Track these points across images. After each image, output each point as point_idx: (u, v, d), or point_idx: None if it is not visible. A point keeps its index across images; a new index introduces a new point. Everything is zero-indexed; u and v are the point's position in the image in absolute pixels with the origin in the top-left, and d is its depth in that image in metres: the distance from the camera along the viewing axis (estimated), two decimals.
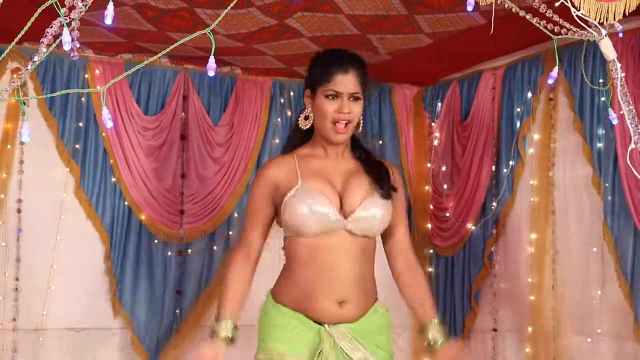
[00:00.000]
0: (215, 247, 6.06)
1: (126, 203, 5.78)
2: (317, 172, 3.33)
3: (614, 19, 2.98)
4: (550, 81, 3.24)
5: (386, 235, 3.50)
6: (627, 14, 3.00)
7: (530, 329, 5.23)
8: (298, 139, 3.47)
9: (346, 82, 3.27)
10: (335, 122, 3.28)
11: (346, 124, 3.30)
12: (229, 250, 3.30)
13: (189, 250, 5.99)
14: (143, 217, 5.81)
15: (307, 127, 3.36)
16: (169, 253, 5.94)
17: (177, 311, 5.97)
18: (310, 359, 3.26)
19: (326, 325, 3.26)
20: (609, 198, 4.80)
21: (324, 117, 3.29)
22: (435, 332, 3.39)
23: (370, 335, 3.33)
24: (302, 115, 3.37)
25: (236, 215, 6.10)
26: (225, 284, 3.41)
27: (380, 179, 3.39)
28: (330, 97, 3.27)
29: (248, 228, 3.44)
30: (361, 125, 3.41)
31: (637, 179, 4.37)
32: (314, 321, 3.28)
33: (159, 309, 5.91)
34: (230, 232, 6.10)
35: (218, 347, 3.34)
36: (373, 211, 3.29)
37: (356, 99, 3.30)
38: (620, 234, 4.75)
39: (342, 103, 3.26)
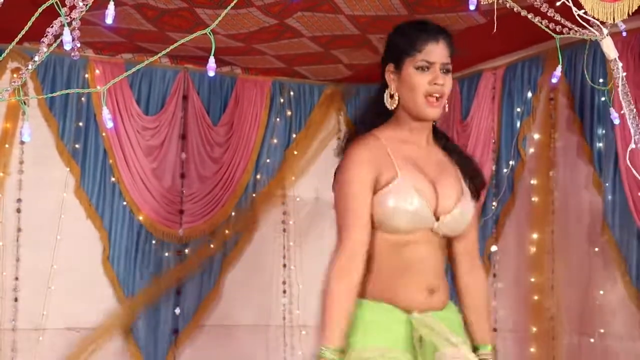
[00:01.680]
0: (213, 247, 6.07)
1: (125, 203, 5.78)
2: (412, 161, 3.04)
3: (618, 19, 2.98)
4: (554, 80, 3.22)
5: (459, 238, 3.22)
6: (630, 14, 3.00)
7: (534, 328, 5.23)
8: (375, 119, 3.15)
9: (438, 51, 3.01)
10: (428, 95, 2.99)
11: (438, 98, 3.01)
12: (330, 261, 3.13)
13: (186, 250, 5.99)
14: (142, 217, 5.80)
15: (394, 106, 3.05)
16: (166, 253, 5.94)
17: (177, 311, 5.97)
18: (409, 348, 3.00)
19: (415, 313, 3.00)
20: (610, 198, 4.80)
21: (416, 90, 2.98)
22: (487, 339, 3.24)
23: (454, 325, 3.11)
24: (387, 94, 3.06)
25: (233, 214, 6.11)
26: (329, 301, 2.96)
27: (473, 177, 3.18)
28: (421, 68, 2.98)
29: (352, 228, 2.98)
30: (446, 107, 3.09)
31: (637, 178, 4.37)
32: (403, 309, 3.01)
33: (158, 309, 5.90)
34: (226, 232, 6.10)
35: None
36: (464, 214, 3.08)
37: (447, 70, 3.03)
38: (622, 234, 4.75)
39: (435, 74, 2.98)
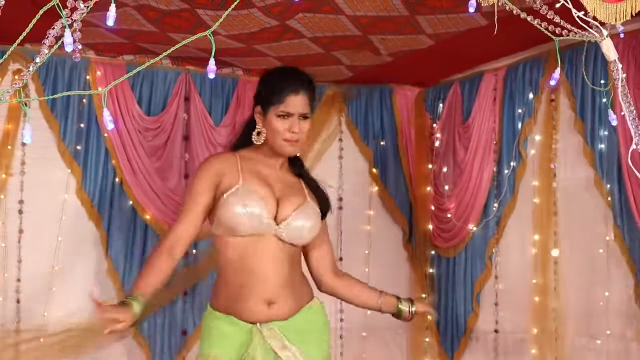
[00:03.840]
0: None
1: (130, 203, 5.77)
2: (259, 174, 3.49)
3: (621, 20, 2.98)
4: (552, 82, 3.24)
5: (311, 249, 3.71)
6: (633, 15, 3.00)
7: (535, 330, 5.23)
8: (242, 143, 3.62)
9: (297, 103, 3.45)
10: (286, 140, 3.46)
11: (297, 140, 3.47)
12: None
13: (194, 251, 5.99)
14: (147, 217, 5.80)
15: (261, 142, 3.51)
16: None
17: (183, 312, 5.97)
18: (238, 358, 3.41)
19: (258, 324, 3.40)
20: (613, 199, 4.80)
21: (276, 134, 3.46)
22: (404, 305, 3.78)
23: (303, 332, 3.49)
24: (255, 132, 3.52)
25: None
26: (147, 268, 3.39)
27: (321, 200, 3.63)
28: (281, 116, 3.44)
29: (183, 220, 3.47)
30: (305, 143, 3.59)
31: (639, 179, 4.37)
32: (247, 322, 3.42)
33: (164, 310, 5.90)
34: None
35: (130, 315, 3.18)
36: (303, 221, 3.47)
37: (305, 117, 3.48)
38: (625, 235, 4.75)
39: (293, 122, 3.45)
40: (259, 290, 3.40)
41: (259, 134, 3.51)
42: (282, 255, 3.45)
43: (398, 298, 3.78)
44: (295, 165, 3.66)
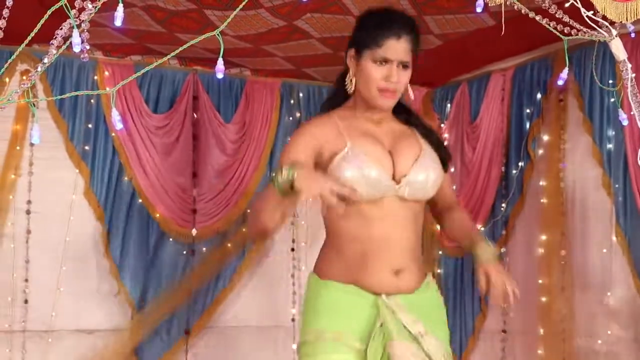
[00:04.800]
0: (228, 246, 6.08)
1: (139, 202, 5.77)
2: (364, 132, 3.12)
3: (631, 19, 2.97)
4: (560, 82, 3.23)
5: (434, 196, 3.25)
6: None
7: (542, 330, 5.22)
8: (337, 100, 3.27)
9: (397, 48, 3.05)
10: (381, 89, 3.08)
11: (392, 91, 3.10)
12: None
13: (204, 249, 6.00)
14: (157, 215, 5.80)
15: (352, 89, 3.15)
16: (184, 252, 5.95)
17: (190, 311, 5.98)
18: (369, 333, 3.00)
19: (383, 296, 3.02)
20: (620, 199, 4.79)
21: (370, 82, 3.08)
22: (486, 245, 3.13)
23: (426, 309, 3.12)
24: (348, 78, 3.16)
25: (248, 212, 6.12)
26: (260, 201, 3.04)
27: (435, 142, 3.23)
28: (378, 62, 3.05)
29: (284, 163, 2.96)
30: (410, 91, 3.23)
31: None
32: (370, 292, 3.03)
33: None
34: (243, 230, 6.11)
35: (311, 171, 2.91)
36: (426, 174, 3.09)
37: (405, 67, 3.09)
38: (632, 236, 4.74)
39: (391, 70, 3.06)
40: (385, 257, 3.02)
41: (350, 81, 3.14)
42: (405, 216, 3.06)
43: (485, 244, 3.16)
44: (402, 113, 3.27)
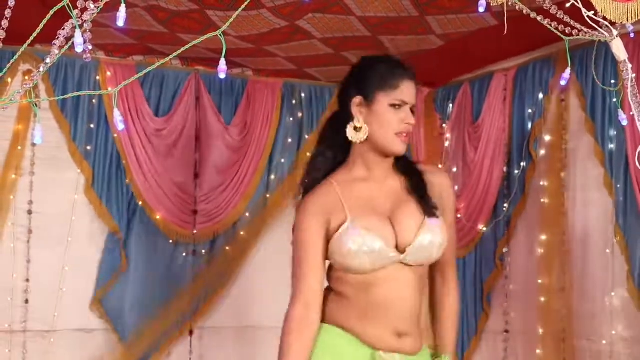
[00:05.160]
0: (228, 248, 6.08)
1: (139, 203, 5.79)
2: (364, 201, 2.95)
3: (632, 20, 2.97)
4: (562, 82, 3.22)
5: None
6: None
7: (542, 330, 5.22)
8: (327, 159, 3.07)
9: (412, 91, 2.95)
10: (398, 133, 2.91)
11: (407, 135, 2.95)
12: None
13: (203, 251, 6.01)
14: (158, 217, 5.82)
15: (363, 139, 2.92)
16: (183, 254, 5.96)
17: (194, 312, 5.99)
18: None
19: (381, 352, 2.90)
20: (621, 199, 4.79)
21: (387, 127, 2.91)
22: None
23: None
24: (351, 127, 2.94)
25: (247, 215, 6.12)
26: (283, 353, 2.95)
27: (423, 194, 3.00)
28: (396, 106, 2.90)
29: (305, 278, 2.93)
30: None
31: None
32: (368, 346, 2.93)
33: (173, 310, 5.91)
34: (242, 233, 6.11)
35: None
36: (430, 239, 2.91)
37: (413, 111, 2.96)
38: (631, 236, 4.74)
39: (407, 113, 2.92)
40: (389, 322, 2.90)
41: (357, 129, 2.92)
42: (410, 280, 2.92)
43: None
44: (400, 164, 3.06)
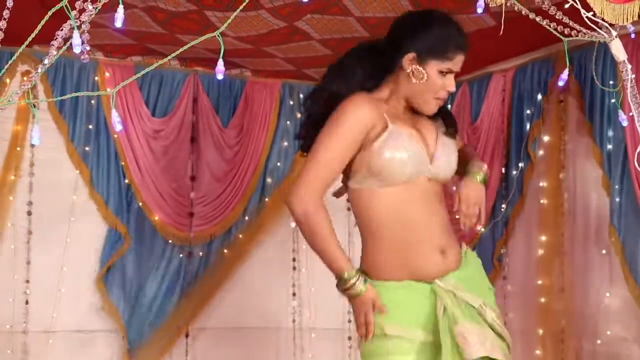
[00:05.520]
0: (225, 250, 6.08)
1: (138, 205, 5.78)
2: (397, 117, 3.15)
3: (629, 21, 2.97)
4: (560, 83, 3.24)
5: None
6: None
7: (541, 331, 5.22)
8: (358, 80, 3.24)
9: (461, 61, 3.16)
10: (438, 98, 3.16)
11: (444, 99, 3.21)
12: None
13: (200, 253, 6.00)
14: (156, 218, 5.81)
15: (420, 81, 3.10)
16: (180, 255, 5.95)
17: (189, 313, 5.99)
18: (433, 323, 3.03)
19: (437, 281, 3.06)
20: (618, 200, 4.78)
21: (430, 90, 3.13)
22: (474, 166, 3.35)
23: (475, 279, 3.22)
24: (410, 70, 3.12)
25: (246, 218, 6.12)
26: (324, 232, 3.09)
27: (444, 119, 3.29)
28: (444, 73, 3.11)
29: (320, 172, 3.07)
30: None
31: None
32: (423, 282, 3.07)
33: (170, 311, 5.91)
34: (240, 235, 6.11)
35: (370, 291, 3.03)
36: (448, 152, 3.20)
37: (455, 75, 3.19)
38: (629, 236, 4.74)
39: (451, 81, 3.15)
40: (430, 239, 3.09)
41: (415, 74, 3.10)
42: (435, 195, 3.15)
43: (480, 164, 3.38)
44: None
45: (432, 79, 3.10)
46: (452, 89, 3.15)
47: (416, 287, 3.07)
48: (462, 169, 3.36)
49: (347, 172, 3.17)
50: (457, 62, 3.14)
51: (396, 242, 3.09)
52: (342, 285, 3.05)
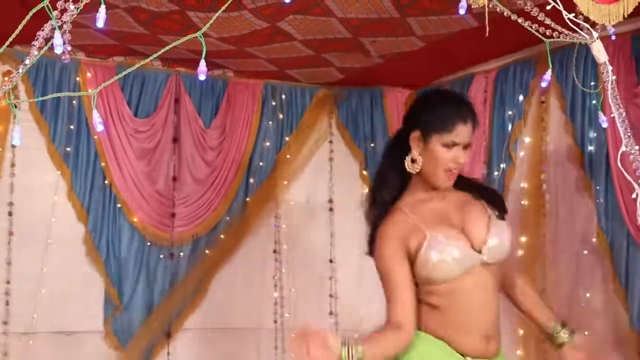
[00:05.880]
0: (207, 251, 6.07)
1: (118, 206, 5.77)
2: (435, 216, 3.23)
3: (614, 21, 2.99)
4: (543, 84, 3.25)
5: None
6: (625, 16, 3.01)
7: (521, 331, 5.23)
8: (392, 185, 3.35)
9: (465, 132, 3.20)
10: (448, 170, 3.21)
11: (456, 172, 3.25)
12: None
13: (181, 254, 5.99)
14: (135, 220, 5.80)
15: (417, 170, 3.24)
16: (161, 256, 5.94)
17: (171, 313, 5.98)
18: None
19: (468, 358, 3.17)
20: (601, 201, 4.80)
21: (438, 165, 3.20)
22: (564, 334, 3.43)
23: None
24: (409, 158, 3.24)
25: (227, 219, 6.11)
26: (384, 340, 3.10)
27: (493, 201, 3.36)
28: (448, 146, 3.18)
29: (394, 300, 3.14)
30: None
31: (628, 181, 4.37)
32: (461, 354, 3.18)
33: (151, 312, 5.90)
34: (222, 236, 6.10)
35: (334, 342, 2.98)
36: (500, 235, 3.23)
37: (466, 147, 3.23)
38: (613, 237, 4.75)
39: (458, 152, 3.20)
40: (480, 325, 3.18)
41: (413, 161, 3.24)
42: (491, 282, 3.22)
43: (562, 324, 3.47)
44: (457, 182, 3.35)
45: (436, 153, 3.19)
46: (462, 160, 3.21)
47: (450, 351, 3.17)
48: (537, 317, 3.54)
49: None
50: (459, 132, 3.18)
51: (445, 314, 3.18)
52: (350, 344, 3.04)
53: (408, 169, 3.25)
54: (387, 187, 3.35)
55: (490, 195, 3.40)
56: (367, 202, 3.43)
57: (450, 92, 3.40)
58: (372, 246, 3.30)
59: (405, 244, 3.16)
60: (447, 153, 3.18)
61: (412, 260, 3.15)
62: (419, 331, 3.19)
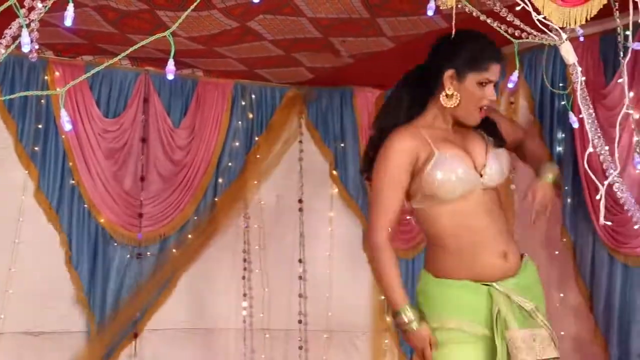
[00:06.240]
0: (174, 250, 6.05)
1: (85, 206, 5.74)
2: (444, 139, 3.46)
3: (576, 24, 3.00)
4: (510, 85, 3.30)
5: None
6: (588, 19, 3.02)
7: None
8: (415, 110, 3.56)
9: (497, 70, 3.42)
10: (481, 107, 3.45)
11: (487, 109, 3.49)
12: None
13: (148, 253, 5.97)
14: (102, 220, 5.77)
15: (455, 104, 3.42)
16: (128, 256, 5.91)
17: (137, 314, 5.95)
18: (487, 322, 3.34)
19: (495, 284, 3.34)
20: (569, 201, 4.82)
21: (473, 102, 3.42)
22: (547, 168, 3.75)
23: (531, 286, 3.50)
24: (444, 94, 3.43)
25: (195, 219, 6.10)
26: (387, 271, 3.41)
27: (489, 131, 3.59)
28: (482, 84, 3.39)
29: (385, 208, 3.43)
30: None
31: (596, 182, 4.39)
32: (481, 283, 3.36)
33: (118, 312, 5.87)
34: (190, 236, 6.08)
35: (425, 329, 3.36)
36: (499, 160, 3.50)
37: (496, 85, 3.47)
38: (579, 238, 4.78)
39: (490, 90, 3.42)
40: (492, 244, 3.40)
41: (449, 96, 3.44)
42: (493, 203, 3.47)
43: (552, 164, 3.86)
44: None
45: (472, 91, 3.40)
46: (493, 97, 3.44)
47: (474, 288, 3.35)
48: (534, 167, 3.86)
49: (408, 196, 3.48)
50: (493, 71, 3.40)
51: (461, 249, 3.39)
52: (398, 320, 3.39)
53: (444, 104, 3.43)
54: (400, 109, 3.56)
55: (488, 126, 3.59)
56: (373, 125, 3.72)
57: (478, 33, 3.46)
58: (368, 165, 3.53)
59: (415, 157, 3.38)
60: (481, 91, 3.39)
61: (416, 172, 3.39)
62: (437, 278, 3.43)
